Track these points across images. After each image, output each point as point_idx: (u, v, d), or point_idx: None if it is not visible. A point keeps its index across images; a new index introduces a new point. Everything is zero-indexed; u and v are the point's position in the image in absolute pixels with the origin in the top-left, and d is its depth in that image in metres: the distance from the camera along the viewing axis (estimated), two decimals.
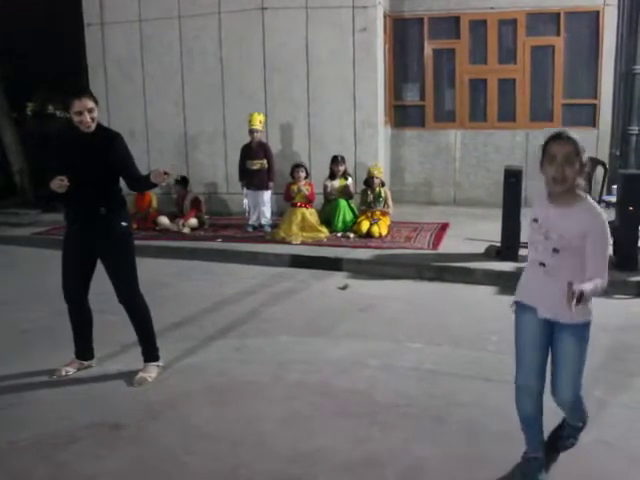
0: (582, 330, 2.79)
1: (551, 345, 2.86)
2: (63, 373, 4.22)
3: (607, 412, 3.62)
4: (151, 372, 4.20)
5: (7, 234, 8.92)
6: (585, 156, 2.71)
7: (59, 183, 3.81)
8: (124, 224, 4.10)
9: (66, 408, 3.79)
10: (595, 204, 2.75)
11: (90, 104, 3.91)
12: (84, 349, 4.36)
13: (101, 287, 6.17)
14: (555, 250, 2.73)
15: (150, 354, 4.27)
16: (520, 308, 2.94)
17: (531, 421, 2.97)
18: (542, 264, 2.78)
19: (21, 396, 3.87)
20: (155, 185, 3.97)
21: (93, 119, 3.94)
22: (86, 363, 4.36)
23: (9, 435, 3.47)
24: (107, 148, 3.96)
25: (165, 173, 3.80)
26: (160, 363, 4.30)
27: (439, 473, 3.07)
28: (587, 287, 2.51)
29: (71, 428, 3.56)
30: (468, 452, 3.24)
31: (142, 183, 4.10)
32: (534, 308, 2.85)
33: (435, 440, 3.37)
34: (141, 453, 3.31)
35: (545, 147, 2.77)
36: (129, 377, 4.19)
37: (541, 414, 2.97)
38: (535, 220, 2.83)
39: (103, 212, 4.00)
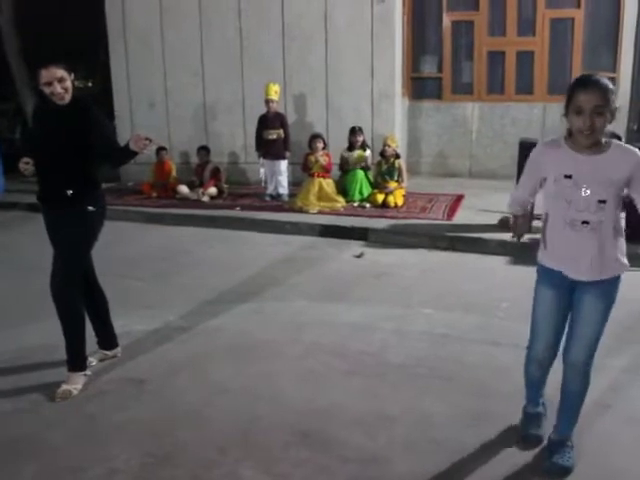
0: (614, 287, 2.71)
1: (572, 307, 2.77)
2: (86, 363, 3.84)
3: (609, 376, 3.74)
4: (76, 383, 3.69)
5: (32, 201, 9.12)
6: (615, 100, 2.49)
7: (24, 166, 3.53)
8: (90, 208, 3.63)
9: (93, 364, 3.98)
10: (625, 145, 2.62)
11: (59, 73, 3.44)
12: (105, 336, 4.06)
13: (120, 252, 6.40)
14: (601, 202, 2.56)
15: (73, 363, 3.73)
16: (545, 276, 2.79)
17: (536, 384, 3.09)
18: (585, 222, 2.59)
19: (52, 353, 4.04)
20: (135, 154, 3.46)
21: (66, 89, 3.48)
22: (110, 353, 4.07)
23: (42, 387, 3.69)
24: (81, 121, 3.53)
25: (147, 139, 3.37)
26: (87, 372, 3.80)
27: (446, 428, 3.24)
28: None
29: (99, 382, 3.78)
30: (475, 409, 3.40)
31: (118, 153, 3.59)
32: (562, 275, 2.71)
33: (443, 398, 3.53)
34: (165, 406, 3.51)
35: (570, 94, 2.53)
36: (152, 337, 4.39)
37: (547, 374, 3.05)
38: (568, 176, 2.59)
39: (70, 194, 3.58)
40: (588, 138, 2.53)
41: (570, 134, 2.64)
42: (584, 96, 2.46)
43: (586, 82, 2.49)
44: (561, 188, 2.61)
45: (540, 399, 3.18)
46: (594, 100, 2.45)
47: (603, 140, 2.60)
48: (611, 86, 2.50)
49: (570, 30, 9.63)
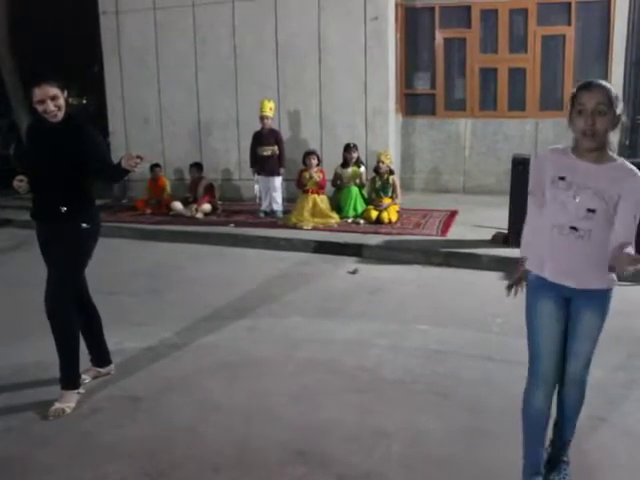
0: (607, 299, 2.65)
1: (568, 322, 2.67)
2: (79, 381, 3.82)
3: (604, 390, 3.73)
4: (69, 401, 3.65)
5: (26, 218, 9.11)
6: (620, 106, 2.46)
7: (18, 184, 3.54)
8: (84, 225, 3.64)
9: (87, 382, 3.95)
10: (630, 164, 2.52)
11: (52, 91, 3.46)
12: (98, 353, 4.05)
13: (114, 269, 6.39)
14: (590, 210, 2.49)
15: (66, 380, 3.70)
16: (537, 286, 2.69)
17: (539, 417, 2.74)
18: (573, 228, 2.53)
19: (45, 371, 4.02)
20: (127, 172, 3.48)
21: (59, 107, 3.50)
22: (104, 370, 4.05)
23: (35, 406, 3.66)
24: (75, 139, 3.55)
25: (138, 157, 3.37)
26: (81, 390, 3.77)
27: (442, 444, 3.22)
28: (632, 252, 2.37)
29: (92, 400, 3.75)
30: (470, 426, 3.39)
31: (112, 171, 3.58)
32: (553, 284, 2.62)
33: (439, 414, 3.52)
34: (159, 423, 3.48)
35: (574, 97, 2.51)
36: (146, 354, 4.37)
37: (549, 411, 2.75)
38: (562, 178, 2.54)
39: (64, 211, 3.59)
40: (591, 141, 2.47)
41: (576, 145, 2.59)
42: (587, 95, 2.45)
43: (590, 84, 2.49)
44: (555, 190, 2.57)
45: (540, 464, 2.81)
46: (596, 98, 2.43)
47: (610, 153, 2.54)
48: (615, 91, 2.47)
49: (561, 47, 9.73)
